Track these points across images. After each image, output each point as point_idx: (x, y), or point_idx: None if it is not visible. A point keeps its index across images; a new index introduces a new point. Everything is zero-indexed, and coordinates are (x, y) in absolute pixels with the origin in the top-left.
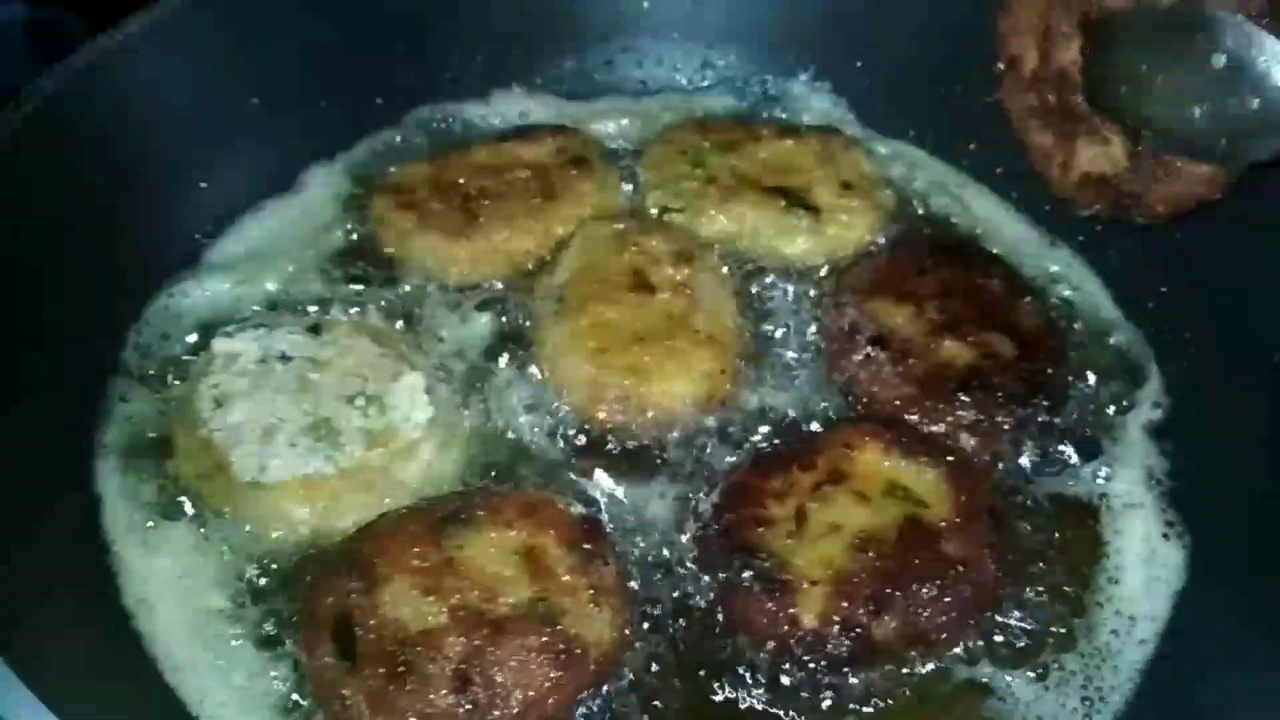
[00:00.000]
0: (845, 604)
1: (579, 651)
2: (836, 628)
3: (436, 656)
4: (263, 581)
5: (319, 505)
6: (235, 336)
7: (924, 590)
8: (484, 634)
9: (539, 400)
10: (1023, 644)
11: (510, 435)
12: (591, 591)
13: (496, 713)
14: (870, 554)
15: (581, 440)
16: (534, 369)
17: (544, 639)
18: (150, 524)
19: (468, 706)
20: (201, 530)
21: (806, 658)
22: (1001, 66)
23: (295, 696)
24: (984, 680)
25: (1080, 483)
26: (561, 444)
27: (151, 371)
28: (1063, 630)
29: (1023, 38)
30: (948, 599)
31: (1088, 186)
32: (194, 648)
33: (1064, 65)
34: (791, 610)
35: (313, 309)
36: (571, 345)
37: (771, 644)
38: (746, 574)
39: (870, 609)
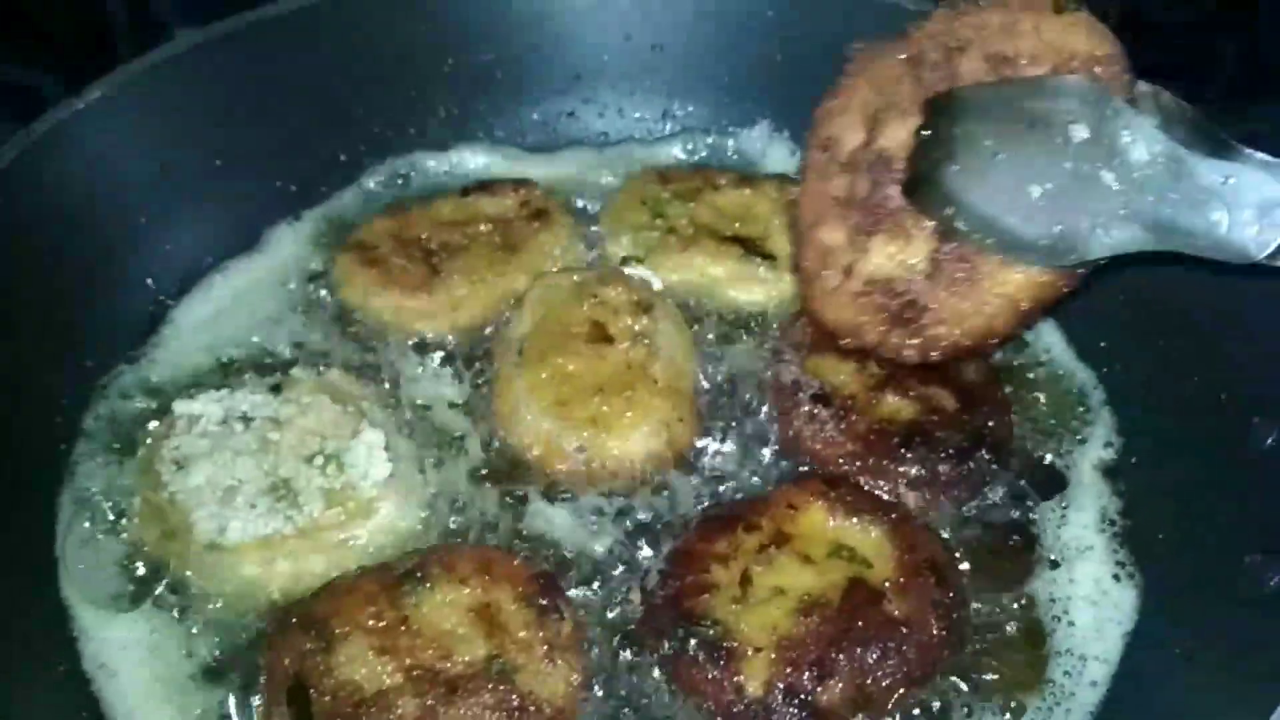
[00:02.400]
0: (790, 670)
1: (533, 709)
2: (781, 695)
3: (390, 718)
4: (221, 644)
5: (278, 565)
6: (196, 398)
7: (869, 653)
8: (438, 693)
9: (497, 452)
10: (973, 691)
11: (468, 488)
12: (546, 647)
13: None
14: (814, 618)
15: (538, 492)
16: (493, 421)
17: (498, 697)
18: (110, 588)
19: None
20: (161, 593)
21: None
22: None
23: None
24: None
25: (1030, 528)
26: (518, 496)
27: (113, 434)
28: (1013, 675)
29: (850, 116)
30: (892, 661)
31: (868, 296)
32: (154, 712)
33: (888, 148)
34: (737, 678)
35: (276, 368)
36: (530, 397)
37: (718, 712)
38: (692, 642)
39: (815, 674)
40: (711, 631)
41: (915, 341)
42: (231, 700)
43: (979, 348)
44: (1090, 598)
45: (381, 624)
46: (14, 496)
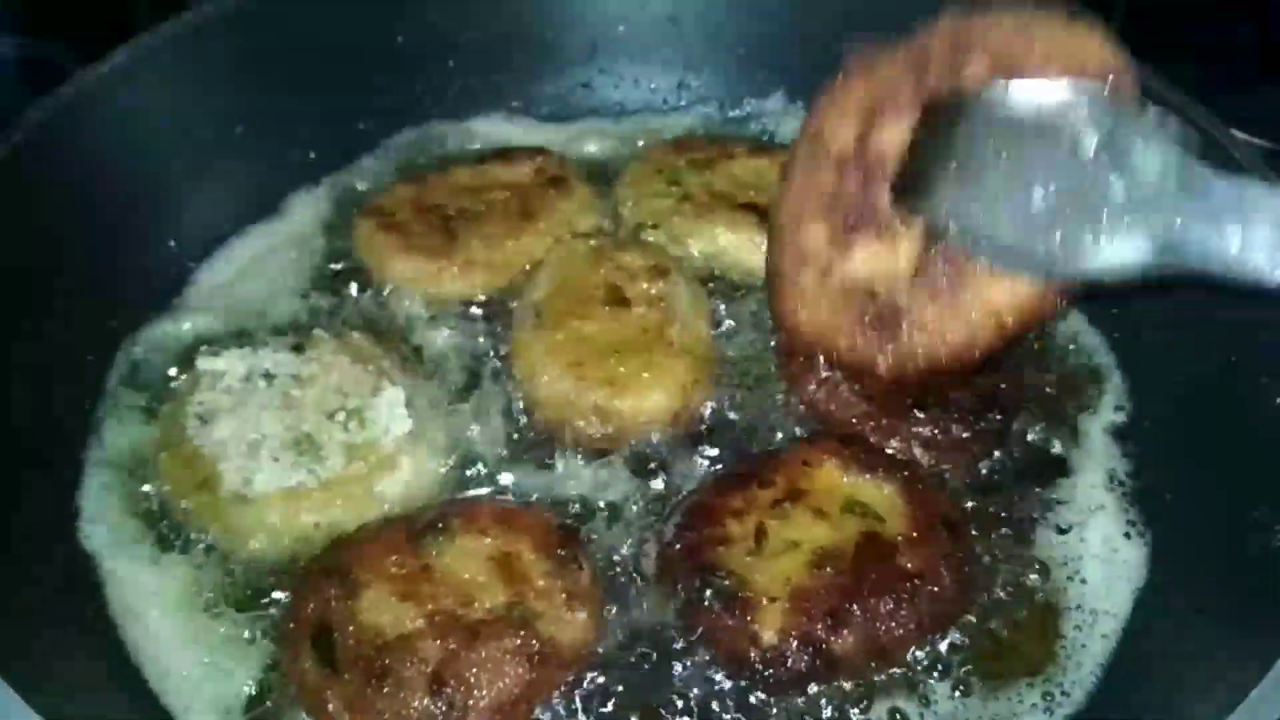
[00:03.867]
0: (804, 619)
1: (552, 653)
2: (795, 643)
3: (413, 660)
4: (246, 592)
5: (302, 517)
6: (220, 355)
7: (882, 604)
8: (459, 638)
9: (516, 412)
10: (983, 646)
11: (488, 447)
12: (566, 595)
13: (471, 714)
14: (828, 570)
15: (557, 451)
16: (512, 383)
17: (518, 641)
18: (135, 538)
19: (443, 707)
20: (186, 543)
21: (767, 672)
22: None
23: (276, 703)
24: (947, 683)
25: (1041, 488)
26: (537, 455)
27: (137, 392)
28: (1023, 632)
29: (845, 111)
30: (905, 612)
31: (846, 298)
32: (179, 656)
33: (883, 147)
34: (752, 627)
35: (297, 329)
36: (548, 359)
37: (734, 661)
38: (707, 592)
39: (829, 624)
40: (727, 582)
41: (890, 348)
42: (255, 646)
43: (955, 364)
44: (1101, 556)
45: (403, 571)
46: (39, 451)
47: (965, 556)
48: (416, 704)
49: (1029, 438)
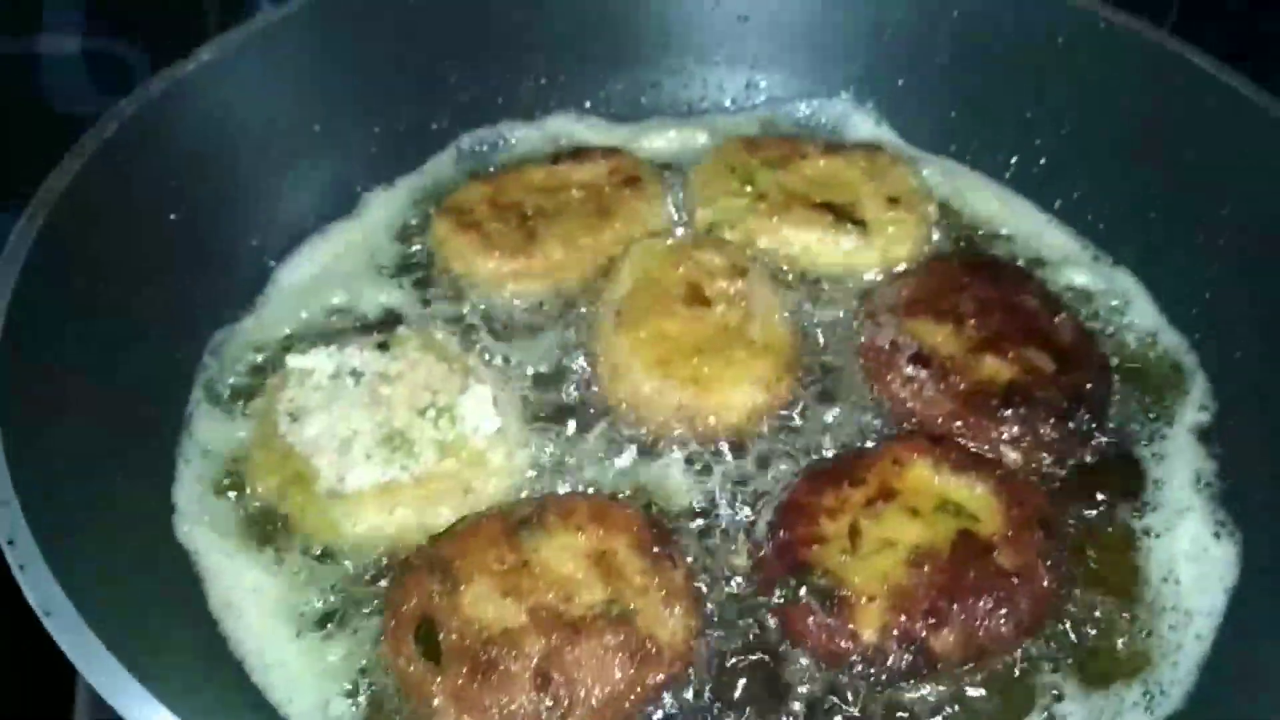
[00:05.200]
0: (904, 618)
1: (653, 650)
2: (895, 641)
3: (518, 655)
4: (343, 588)
5: (395, 513)
6: (308, 354)
7: (980, 603)
8: (562, 634)
9: (602, 411)
10: (1080, 647)
11: (575, 445)
12: (663, 593)
13: (577, 709)
14: (925, 568)
15: (642, 450)
16: (595, 382)
17: (620, 638)
18: (231, 534)
19: (549, 704)
20: (282, 540)
21: (868, 672)
22: None
23: (373, 695)
24: (1045, 683)
25: (1128, 490)
26: (623, 454)
27: (226, 391)
28: (1119, 632)
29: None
30: (1004, 610)
31: None
32: (279, 651)
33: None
34: (850, 626)
35: (377, 327)
36: (632, 357)
37: (832, 659)
38: (803, 591)
39: (929, 622)
40: (823, 581)
41: None
42: (355, 641)
43: None
44: (1191, 555)
45: (504, 566)
46: (134, 449)
47: (1061, 555)
48: (523, 699)
49: (1115, 439)
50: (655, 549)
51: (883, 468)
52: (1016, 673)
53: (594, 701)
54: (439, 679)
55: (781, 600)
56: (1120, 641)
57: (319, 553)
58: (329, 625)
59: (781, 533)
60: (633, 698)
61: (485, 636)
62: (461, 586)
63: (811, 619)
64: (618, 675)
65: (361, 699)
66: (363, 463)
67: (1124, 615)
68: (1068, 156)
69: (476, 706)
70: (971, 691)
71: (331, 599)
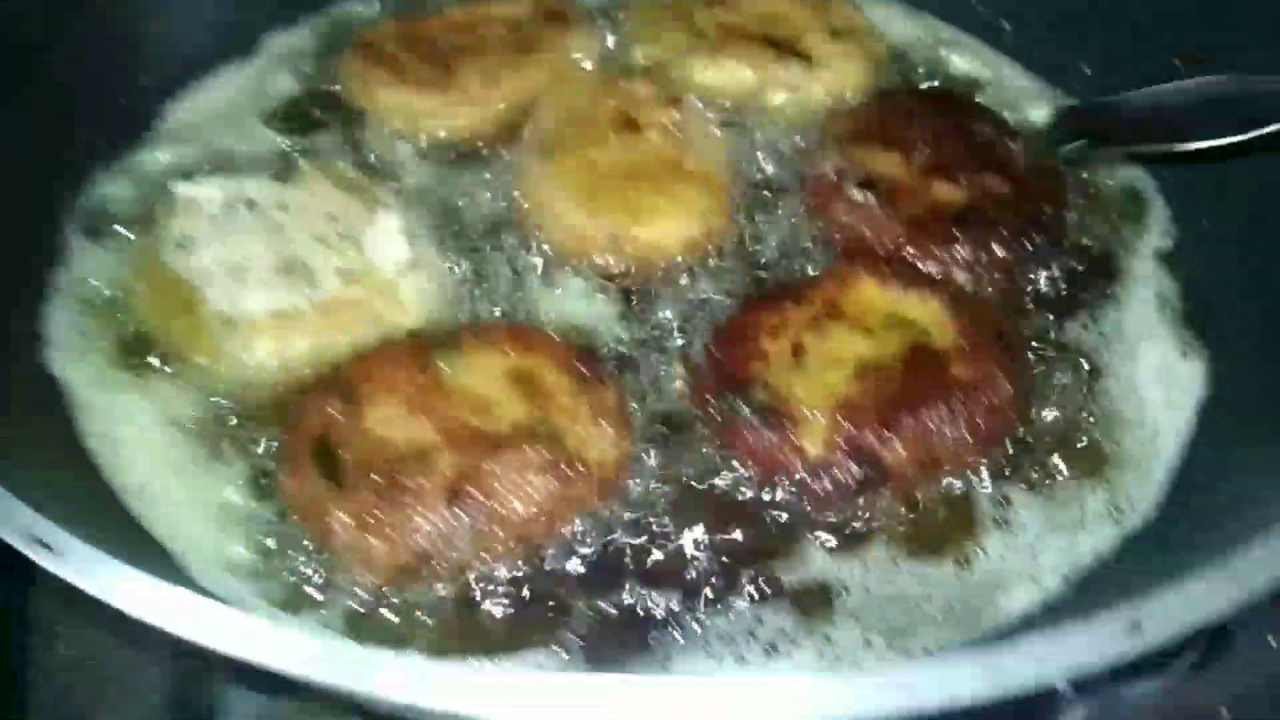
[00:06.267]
0: (851, 429)
1: (581, 469)
2: (844, 454)
3: (428, 472)
4: (234, 419)
5: (294, 342)
6: (198, 183)
7: (935, 413)
8: (480, 450)
9: (525, 246)
10: (1042, 463)
11: (495, 279)
12: (592, 413)
13: (495, 530)
14: (874, 382)
15: (570, 285)
16: (516, 216)
17: (545, 456)
18: (108, 366)
19: (465, 521)
20: (165, 371)
21: (814, 487)
22: None
23: (270, 525)
24: (1003, 496)
25: (1090, 312)
26: (549, 287)
27: (107, 225)
28: (1083, 450)
29: None
30: (960, 422)
31: None
32: (164, 482)
33: None
34: (795, 441)
35: (278, 163)
36: (557, 187)
37: (776, 478)
38: (745, 409)
39: (879, 434)
40: (764, 396)
41: None
42: (246, 470)
43: None
44: (1157, 374)
45: (413, 386)
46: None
47: (1020, 366)
48: (434, 516)
49: (1074, 262)
50: (582, 369)
51: (828, 287)
52: (970, 486)
53: (514, 520)
54: (340, 501)
55: (719, 419)
56: (1084, 459)
57: (206, 385)
58: (218, 461)
59: (718, 351)
60: (555, 516)
61: (391, 455)
62: (365, 407)
63: (751, 435)
64: (541, 493)
65: (254, 529)
66: (258, 289)
67: (1088, 433)
68: None
69: (381, 528)
70: (922, 503)
71: (223, 429)
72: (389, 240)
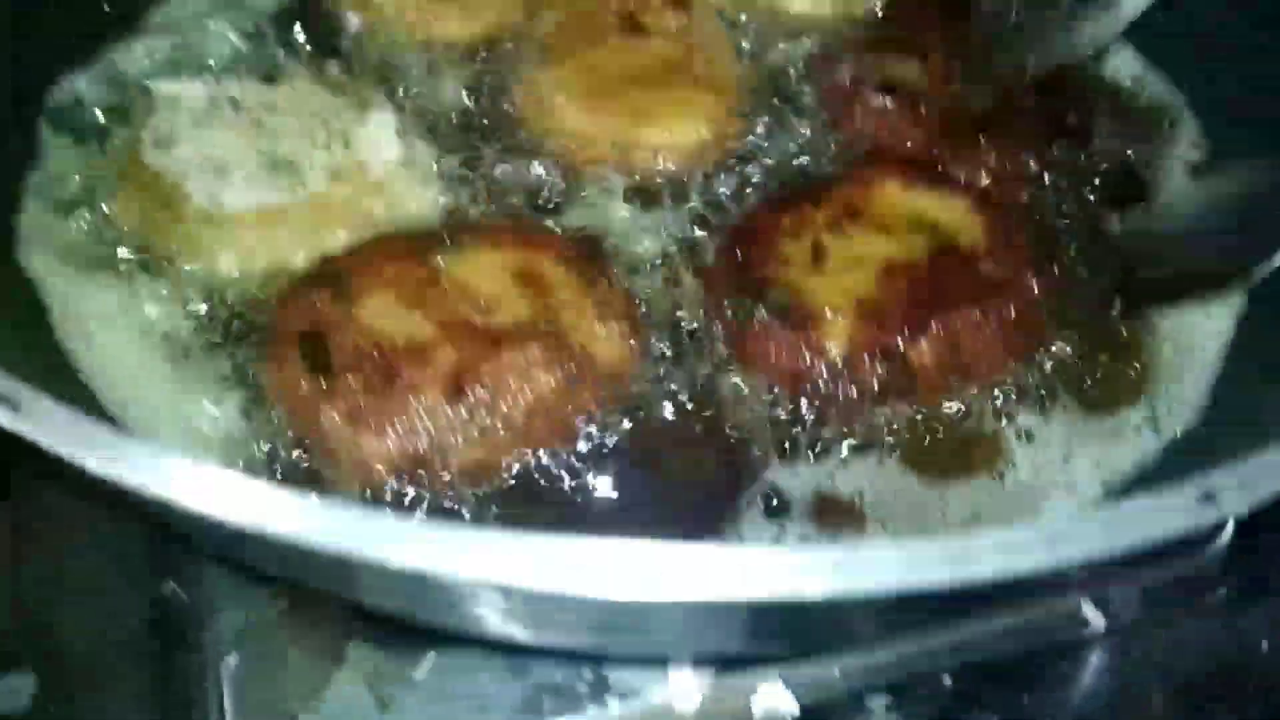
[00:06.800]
0: (878, 329)
1: (587, 364)
2: (868, 355)
3: (426, 366)
4: (216, 315)
5: (280, 238)
6: (178, 81)
7: (966, 313)
8: (480, 345)
9: (524, 148)
10: (1074, 372)
11: (494, 184)
12: (598, 308)
13: (497, 425)
14: (900, 281)
15: (574, 188)
16: (519, 119)
17: (549, 350)
18: (84, 265)
19: (463, 415)
20: (144, 270)
21: (835, 391)
22: None
23: (255, 423)
24: (1036, 409)
25: (1124, 221)
26: (552, 191)
27: (83, 124)
28: (1117, 356)
29: None
30: (991, 322)
31: None
32: (141, 383)
33: None
34: (816, 340)
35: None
36: (558, 89)
37: (794, 381)
38: (761, 309)
39: (906, 334)
40: (784, 299)
41: None
42: (230, 377)
43: None
44: None
45: (411, 281)
46: None
47: (1054, 267)
48: (434, 410)
49: (1104, 168)
50: (589, 266)
51: (849, 189)
52: (1001, 398)
53: (517, 415)
54: (330, 396)
55: (736, 322)
56: (1122, 365)
57: (186, 283)
58: (201, 362)
59: (734, 252)
60: (561, 413)
61: (385, 348)
62: (358, 298)
63: (770, 338)
64: (546, 387)
65: (237, 429)
66: (242, 185)
67: (1123, 343)
68: None
69: (374, 423)
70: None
71: (205, 334)
72: (381, 139)
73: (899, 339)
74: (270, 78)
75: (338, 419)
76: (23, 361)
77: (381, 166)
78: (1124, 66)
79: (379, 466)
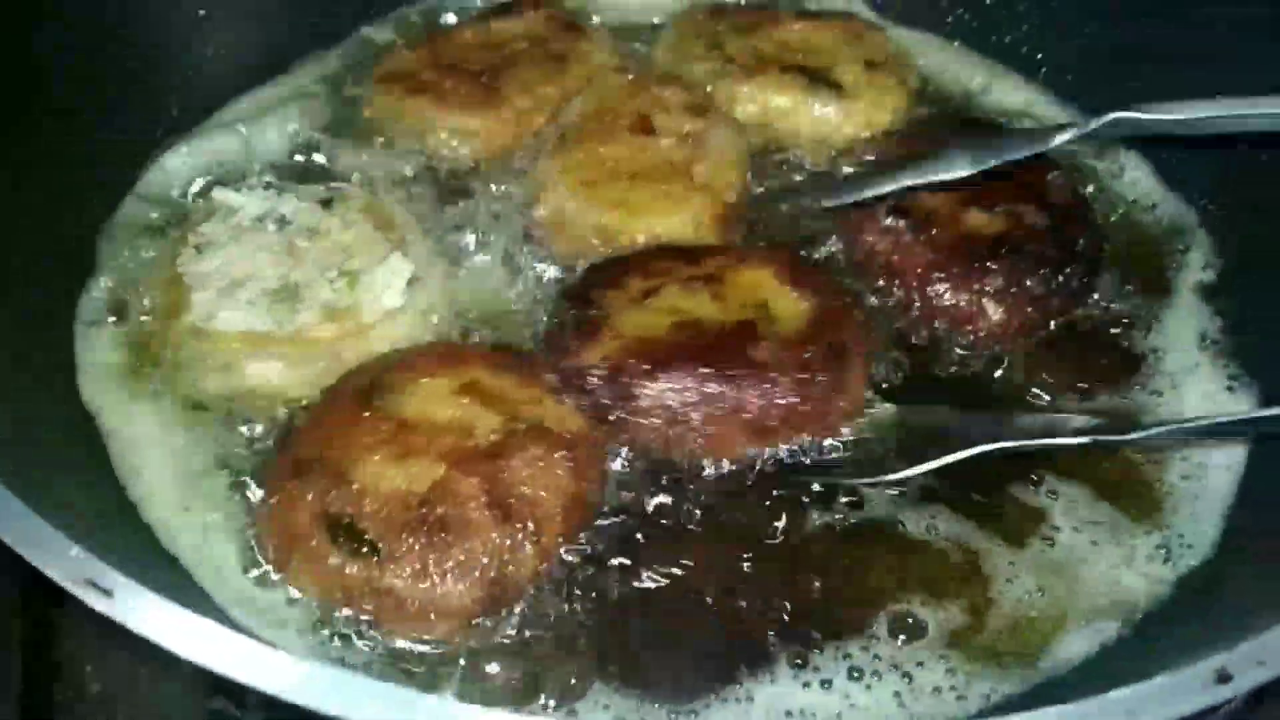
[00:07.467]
0: (625, 355)
1: (578, 440)
2: (604, 370)
3: (460, 500)
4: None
5: (250, 365)
6: (241, 191)
7: (704, 381)
8: (489, 466)
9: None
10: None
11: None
12: (546, 395)
13: (544, 526)
14: (683, 333)
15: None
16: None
17: (544, 444)
18: (128, 383)
19: (518, 533)
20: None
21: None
22: None
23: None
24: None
25: (1129, 352)
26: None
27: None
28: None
29: None
30: (727, 401)
31: None
32: (181, 516)
33: None
34: (579, 346)
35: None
36: (560, 176)
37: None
38: (570, 314)
39: (644, 370)
40: (593, 312)
41: None
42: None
43: None
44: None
45: (381, 436)
46: (41, 296)
47: (830, 380)
48: (492, 538)
49: (1112, 297)
50: (518, 365)
51: (727, 257)
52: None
53: (553, 509)
54: (380, 568)
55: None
56: (1133, 500)
57: (172, 388)
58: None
59: (589, 274)
60: (579, 489)
61: (414, 501)
62: (351, 472)
63: (557, 336)
64: (561, 473)
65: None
66: (241, 307)
67: (1137, 472)
68: (1051, 23)
69: (439, 574)
70: None
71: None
72: (390, 286)
73: (634, 372)
74: (328, 202)
75: (400, 585)
76: (86, 496)
77: (377, 312)
78: (1137, 185)
79: (462, 609)
